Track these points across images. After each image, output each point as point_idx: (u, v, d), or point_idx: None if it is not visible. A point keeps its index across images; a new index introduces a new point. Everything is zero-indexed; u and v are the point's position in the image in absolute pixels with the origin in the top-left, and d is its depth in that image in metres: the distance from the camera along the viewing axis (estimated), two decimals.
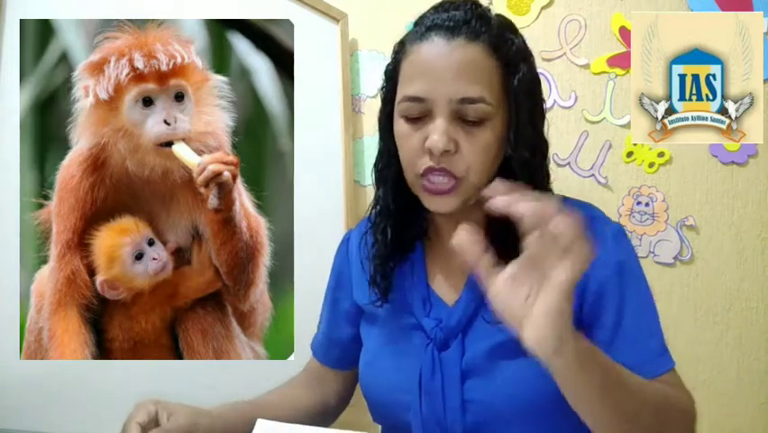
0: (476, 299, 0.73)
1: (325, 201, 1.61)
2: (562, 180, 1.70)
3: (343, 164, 1.63)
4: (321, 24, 1.68)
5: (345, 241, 0.93)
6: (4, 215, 1.15)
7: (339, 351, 0.89)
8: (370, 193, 0.85)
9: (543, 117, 0.75)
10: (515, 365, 0.70)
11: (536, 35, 1.72)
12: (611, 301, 0.70)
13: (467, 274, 0.75)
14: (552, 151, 1.67)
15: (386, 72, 0.76)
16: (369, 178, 0.84)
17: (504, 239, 0.69)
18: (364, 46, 1.80)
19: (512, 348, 0.69)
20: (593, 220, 0.73)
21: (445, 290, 0.78)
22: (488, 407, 0.70)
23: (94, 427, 1.19)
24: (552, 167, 1.68)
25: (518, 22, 1.75)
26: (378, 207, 0.80)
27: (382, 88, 0.78)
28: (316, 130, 1.61)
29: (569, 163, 1.69)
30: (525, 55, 0.72)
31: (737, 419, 1.55)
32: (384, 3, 1.77)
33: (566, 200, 0.76)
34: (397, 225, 0.78)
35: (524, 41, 0.73)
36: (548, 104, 1.70)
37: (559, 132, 1.71)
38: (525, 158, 0.70)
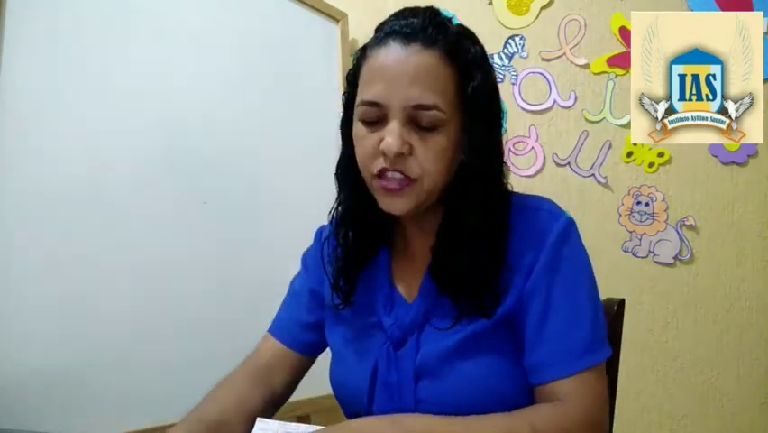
0: (432, 297, 0.74)
1: (325, 201, 1.60)
2: (562, 180, 1.70)
3: None
4: (321, 24, 1.68)
5: (319, 233, 0.93)
6: (4, 215, 1.15)
7: (298, 331, 0.88)
8: None
9: (499, 125, 0.75)
10: (466, 366, 0.71)
11: (536, 35, 1.72)
12: (540, 298, 0.71)
13: (424, 274, 0.76)
14: (552, 150, 1.71)
15: (347, 77, 0.78)
16: None
17: (455, 243, 0.72)
18: None
19: (465, 349, 0.71)
20: (540, 213, 0.74)
21: (407, 289, 0.79)
22: (439, 406, 0.71)
23: (94, 427, 1.19)
24: (551, 167, 1.71)
25: (518, 22, 1.76)
26: (339, 211, 0.81)
27: (344, 93, 0.78)
28: (317, 130, 1.61)
29: (569, 163, 1.69)
30: (481, 63, 0.72)
31: (737, 419, 1.55)
32: (384, 3, 1.78)
33: (519, 197, 0.77)
34: (360, 229, 0.79)
35: (482, 51, 0.74)
36: (548, 104, 1.71)
37: (559, 132, 1.71)
38: (478, 164, 0.71)
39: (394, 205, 0.71)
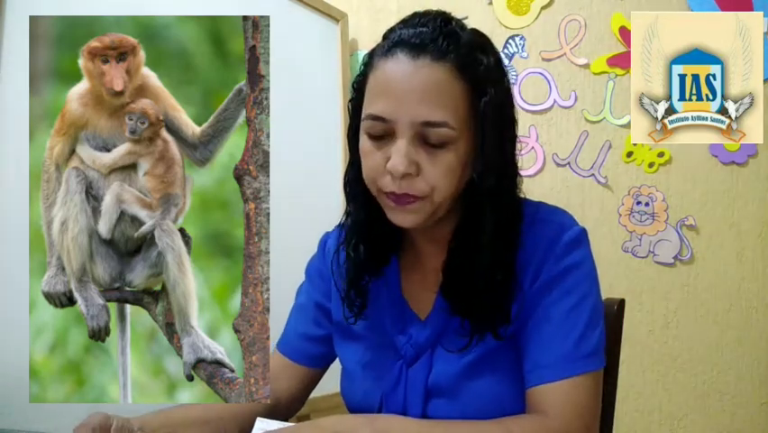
0: (445, 315, 0.72)
1: (325, 201, 1.61)
2: (562, 180, 1.70)
3: (343, 165, 1.63)
4: (321, 24, 1.68)
5: (323, 243, 0.90)
6: (14, 220, 1.15)
7: (303, 345, 0.86)
8: None
9: (513, 141, 0.73)
10: (479, 385, 0.71)
11: (536, 35, 1.72)
12: (537, 307, 0.70)
13: (438, 288, 0.74)
14: (552, 151, 1.71)
15: (353, 85, 0.75)
16: None
17: (467, 264, 0.69)
18: (364, 46, 1.80)
19: (478, 367, 0.70)
20: (550, 225, 0.72)
21: (419, 303, 0.77)
22: None
23: None
24: (552, 167, 1.71)
25: (518, 22, 1.76)
26: (349, 222, 0.78)
27: (351, 100, 0.76)
28: (317, 130, 1.62)
29: (569, 163, 1.70)
30: (495, 76, 0.69)
31: (737, 419, 1.55)
32: (384, 3, 1.78)
33: (533, 209, 0.75)
34: (370, 240, 0.76)
35: (497, 61, 0.70)
36: (548, 104, 1.71)
37: (559, 132, 1.71)
38: (489, 183, 0.68)
39: (404, 220, 0.69)
